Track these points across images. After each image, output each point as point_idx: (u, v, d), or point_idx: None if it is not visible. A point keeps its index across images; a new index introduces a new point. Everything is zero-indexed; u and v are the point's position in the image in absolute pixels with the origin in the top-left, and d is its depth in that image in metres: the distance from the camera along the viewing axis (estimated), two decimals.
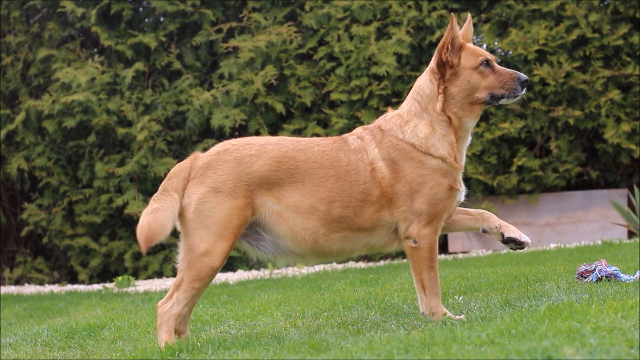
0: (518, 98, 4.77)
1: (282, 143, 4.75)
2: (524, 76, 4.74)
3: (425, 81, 4.80)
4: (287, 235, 4.68)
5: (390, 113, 4.86)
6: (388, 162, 4.66)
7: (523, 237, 4.77)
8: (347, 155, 4.71)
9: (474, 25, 11.56)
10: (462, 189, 4.77)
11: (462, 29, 4.82)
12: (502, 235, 4.76)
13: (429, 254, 4.65)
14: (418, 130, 4.71)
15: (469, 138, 4.82)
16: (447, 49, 4.70)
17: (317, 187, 4.66)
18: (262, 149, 4.70)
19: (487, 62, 4.73)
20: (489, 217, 4.83)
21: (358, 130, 4.85)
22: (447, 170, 4.68)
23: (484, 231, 4.82)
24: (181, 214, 4.71)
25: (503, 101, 4.75)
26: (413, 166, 4.65)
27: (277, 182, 4.65)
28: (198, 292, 4.71)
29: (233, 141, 4.80)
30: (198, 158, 4.77)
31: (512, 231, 4.76)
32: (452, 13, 4.83)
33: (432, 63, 4.77)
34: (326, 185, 4.66)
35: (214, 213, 4.61)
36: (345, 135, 4.86)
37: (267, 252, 4.76)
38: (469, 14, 4.98)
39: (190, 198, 4.67)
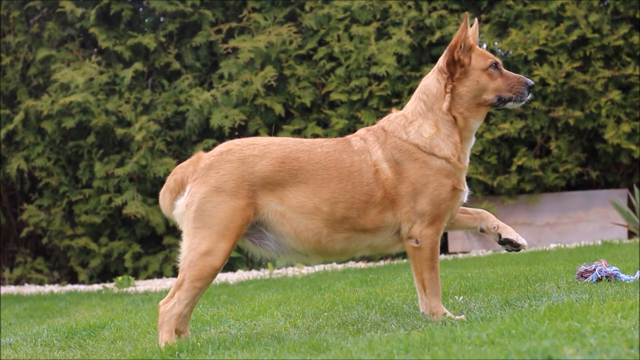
0: (524, 102, 4.80)
1: (286, 144, 4.76)
2: (530, 81, 4.77)
3: (432, 80, 4.80)
4: (291, 235, 4.69)
5: (395, 113, 4.85)
6: (391, 164, 4.67)
7: (520, 240, 4.78)
8: (350, 157, 4.72)
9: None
10: (466, 190, 4.78)
11: (470, 31, 4.83)
12: (499, 235, 4.77)
13: (430, 254, 4.66)
14: (422, 130, 4.71)
15: (473, 139, 4.83)
16: (460, 47, 4.71)
17: (320, 188, 4.66)
18: (265, 149, 4.71)
19: (496, 65, 4.76)
20: (487, 217, 4.84)
21: (361, 131, 4.85)
22: (450, 171, 4.68)
23: (482, 231, 4.83)
24: (183, 213, 4.71)
25: (509, 104, 4.77)
26: (417, 167, 4.66)
27: (280, 183, 4.66)
28: (199, 292, 4.72)
29: (236, 141, 4.80)
30: (201, 158, 4.78)
31: (509, 232, 4.77)
32: (465, 12, 4.85)
33: (442, 62, 4.77)
34: (330, 186, 4.67)
35: (216, 213, 4.62)
36: (348, 137, 4.86)
37: (271, 250, 4.77)
38: (476, 18, 4.99)
39: (192, 197, 4.68)
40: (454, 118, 4.73)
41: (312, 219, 4.66)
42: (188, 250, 4.69)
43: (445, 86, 4.73)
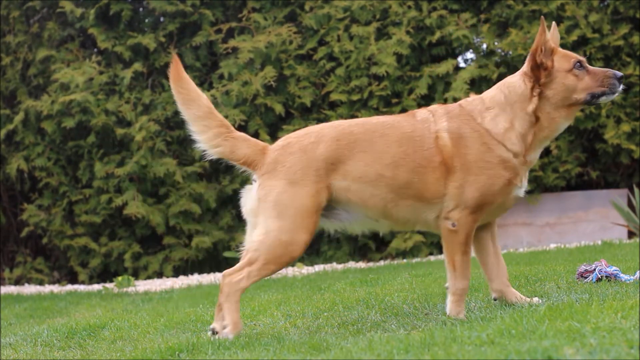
0: (617, 94, 4.81)
1: (338, 123, 4.88)
2: (619, 73, 4.80)
3: (518, 80, 4.80)
4: (359, 205, 4.75)
5: (473, 97, 4.87)
6: (454, 135, 4.68)
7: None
8: (412, 124, 4.76)
9: (474, 25, 11.57)
10: (522, 186, 4.80)
11: (549, 34, 4.83)
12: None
13: (465, 239, 4.68)
14: (498, 120, 4.72)
15: (549, 140, 4.84)
16: (541, 51, 4.71)
17: (380, 154, 4.71)
18: (319, 133, 4.80)
19: (580, 64, 4.77)
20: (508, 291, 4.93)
21: (433, 105, 4.89)
22: (512, 165, 4.69)
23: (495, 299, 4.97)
24: (257, 207, 4.76)
25: (603, 99, 4.79)
26: (481, 150, 4.66)
27: (340, 159, 4.73)
28: (269, 274, 4.79)
29: (292, 135, 4.91)
30: (267, 151, 4.86)
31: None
32: (542, 16, 4.85)
33: (526, 67, 4.78)
34: (390, 151, 4.71)
35: (292, 204, 4.68)
36: (414, 110, 4.91)
37: (344, 220, 4.82)
38: (553, 22, 5.00)
39: (265, 191, 4.74)
40: (537, 118, 4.73)
41: (376, 186, 4.71)
42: (268, 235, 4.69)
43: (532, 89, 4.73)
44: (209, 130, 4.95)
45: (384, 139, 4.73)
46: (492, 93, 4.82)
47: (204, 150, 5.05)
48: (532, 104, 4.72)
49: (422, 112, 4.83)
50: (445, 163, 4.66)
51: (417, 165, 4.68)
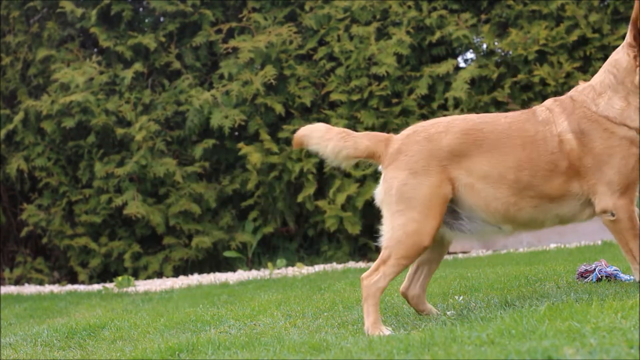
0: None
1: (469, 117, 4.83)
2: None
3: (622, 55, 4.78)
4: (481, 207, 4.70)
5: (582, 85, 4.85)
6: (577, 134, 4.66)
7: None
8: (534, 126, 4.71)
9: (474, 25, 11.57)
10: None
11: None
12: None
13: (630, 223, 4.65)
14: (613, 102, 4.70)
15: None
16: None
17: (504, 156, 4.67)
18: (449, 124, 4.76)
19: None
20: None
21: (548, 101, 4.85)
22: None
23: None
24: (382, 200, 4.73)
25: None
26: (604, 138, 4.64)
27: (466, 154, 4.68)
28: (404, 268, 4.74)
29: (421, 123, 4.88)
30: (391, 142, 4.80)
31: None
32: None
33: (629, 38, 4.74)
34: (514, 154, 4.68)
35: (416, 194, 4.63)
36: (534, 107, 4.87)
37: (465, 230, 4.77)
38: None
39: (390, 183, 4.70)
40: None
41: (498, 188, 4.66)
42: (394, 230, 4.65)
43: (635, 59, 4.71)
44: (330, 141, 4.87)
45: (510, 141, 4.69)
46: (600, 77, 4.81)
47: (336, 165, 4.96)
48: (638, 75, 4.70)
49: (541, 111, 4.77)
50: (574, 167, 4.64)
51: (540, 169, 4.65)
